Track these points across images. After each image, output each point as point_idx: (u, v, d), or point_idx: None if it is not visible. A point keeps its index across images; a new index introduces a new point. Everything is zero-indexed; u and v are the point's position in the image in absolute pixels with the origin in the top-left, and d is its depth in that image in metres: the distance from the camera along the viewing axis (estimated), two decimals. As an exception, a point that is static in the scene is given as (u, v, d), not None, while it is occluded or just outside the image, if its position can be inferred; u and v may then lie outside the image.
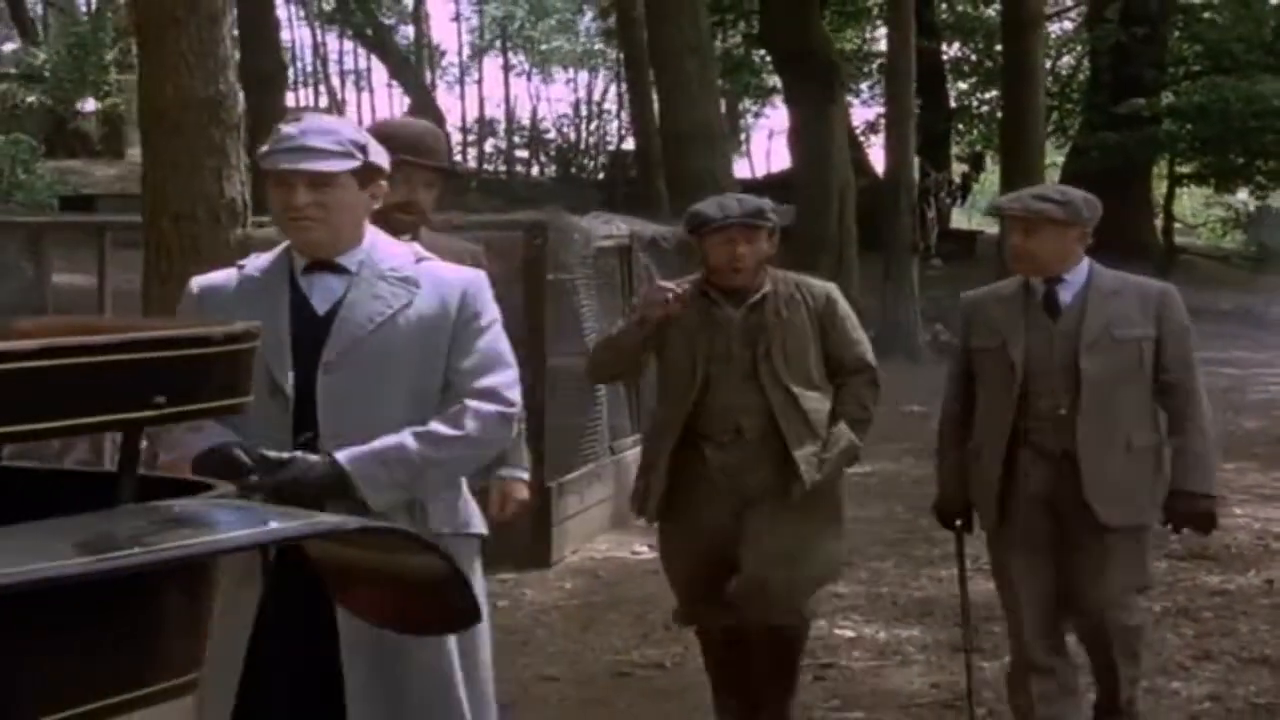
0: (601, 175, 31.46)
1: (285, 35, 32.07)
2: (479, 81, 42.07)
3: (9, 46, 33.92)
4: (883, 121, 25.12)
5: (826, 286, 4.80)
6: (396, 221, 4.05)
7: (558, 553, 7.80)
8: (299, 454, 3.08)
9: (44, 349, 1.61)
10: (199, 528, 1.69)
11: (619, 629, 6.54)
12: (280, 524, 1.73)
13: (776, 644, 4.67)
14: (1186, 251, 30.17)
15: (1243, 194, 33.30)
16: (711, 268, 4.64)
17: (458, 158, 29.62)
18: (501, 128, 36.52)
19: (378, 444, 3.13)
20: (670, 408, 4.69)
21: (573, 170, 31.92)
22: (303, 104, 37.57)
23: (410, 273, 3.28)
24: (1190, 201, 36.66)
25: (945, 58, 31.61)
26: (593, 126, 34.78)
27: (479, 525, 3.40)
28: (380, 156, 3.31)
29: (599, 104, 37.60)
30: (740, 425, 4.59)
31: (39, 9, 35.33)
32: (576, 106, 36.95)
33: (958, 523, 4.78)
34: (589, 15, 40.64)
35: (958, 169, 30.77)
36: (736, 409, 4.59)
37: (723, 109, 22.54)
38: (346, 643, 3.12)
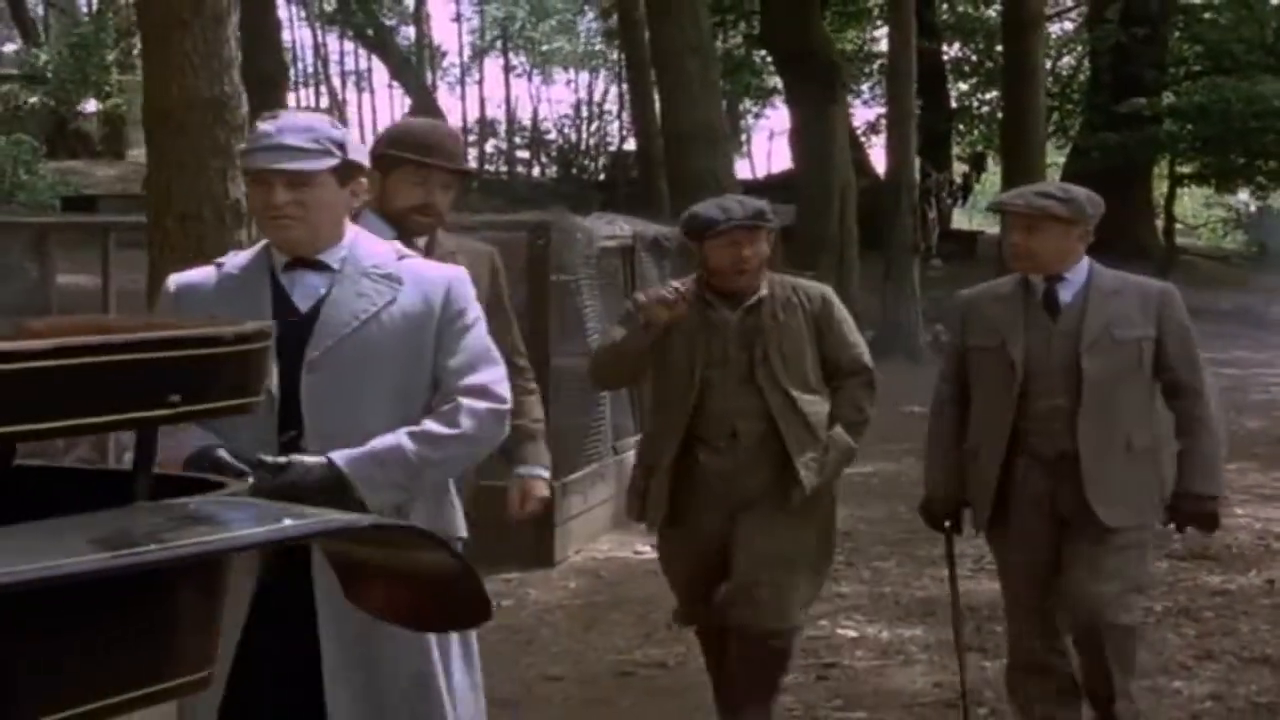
0: (602, 176, 31.47)
1: (286, 36, 32.10)
2: (480, 82, 42.12)
3: (10, 47, 33.93)
4: (884, 122, 25.17)
5: (822, 289, 4.78)
6: (414, 223, 4.06)
7: (561, 552, 7.81)
8: (295, 458, 3.07)
9: (60, 348, 1.62)
10: (214, 525, 1.70)
11: (622, 628, 6.55)
12: (294, 522, 1.74)
13: (762, 650, 4.59)
14: (1187, 252, 30.19)
15: (1243, 194, 33.36)
16: (714, 270, 4.60)
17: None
18: (502, 128, 36.57)
19: (374, 445, 3.12)
20: (669, 412, 4.64)
21: (573, 171, 31.93)
22: (304, 104, 37.58)
23: (393, 270, 3.26)
24: (1191, 202, 36.69)
25: (946, 58, 31.63)
26: (593, 127, 34.79)
27: (460, 529, 3.39)
28: (359, 153, 3.28)
29: (600, 104, 37.64)
30: (736, 429, 4.55)
31: (40, 10, 35.33)
32: (577, 107, 36.98)
33: (946, 524, 4.74)
34: (590, 16, 40.67)
35: (958, 169, 30.79)
36: (733, 413, 4.56)
37: (724, 109, 22.54)
38: (325, 636, 3.13)
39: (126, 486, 1.82)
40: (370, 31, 36.98)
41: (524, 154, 34.70)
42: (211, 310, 3.17)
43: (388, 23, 39.01)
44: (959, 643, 4.93)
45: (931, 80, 27.16)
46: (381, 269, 3.25)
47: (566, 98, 56.34)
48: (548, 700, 5.65)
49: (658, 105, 20.76)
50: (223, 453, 3.01)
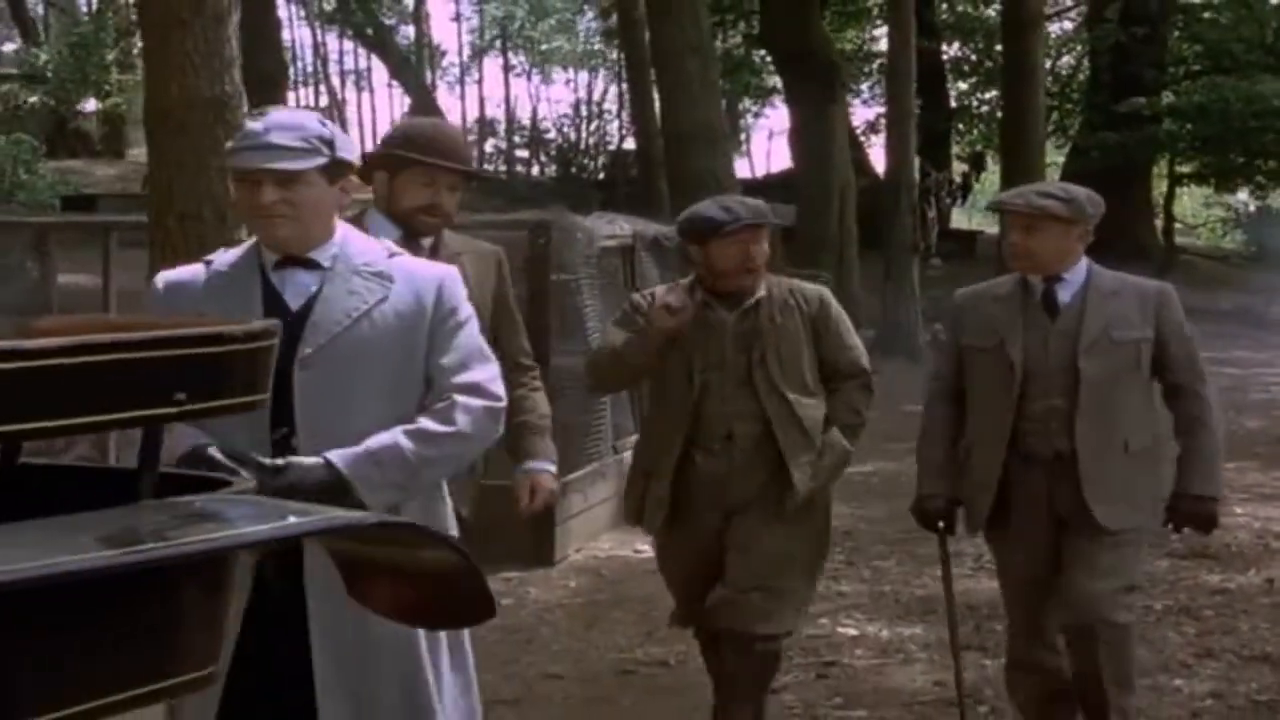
0: (602, 175, 31.47)
1: (285, 35, 32.14)
2: (479, 81, 42.16)
3: (10, 46, 33.95)
4: (883, 121, 25.18)
5: (820, 290, 4.74)
6: (421, 224, 4.06)
7: (561, 551, 7.82)
8: (294, 459, 3.06)
9: (67, 347, 1.63)
10: (220, 523, 1.71)
11: (623, 627, 6.56)
12: (299, 519, 1.75)
13: (752, 654, 4.56)
14: (1186, 251, 30.20)
15: (1243, 194, 33.36)
16: (719, 272, 4.54)
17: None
18: (502, 128, 36.57)
19: (371, 445, 3.11)
20: (668, 416, 4.61)
21: (573, 170, 31.92)
22: (303, 103, 37.57)
23: (383, 267, 3.25)
24: (1190, 201, 36.70)
25: (945, 58, 31.65)
26: (593, 126, 34.79)
27: (451, 527, 3.38)
28: (349, 151, 3.27)
29: (599, 104, 37.64)
30: (733, 431, 4.52)
31: (40, 9, 35.33)
32: (577, 106, 36.98)
33: (940, 525, 4.68)
34: (589, 15, 40.68)
35: (958, 169, 30.79)
36: (730, 415, 4.52)
37: (723, 109, 22.55)
38: (317, 646, 3.13)
39: (131, 484, 1.83)
40: (370, 31, 36.99)
41: (523, 153, 34.70)
42: (201, 308, 3.16)
43: (387, 22, 39.02)
44: (954, 642, 4.91)
45: (931, 80, 27.17)
46: (373, 267, 3.24)
47: (566, 97, 56.50)
48: (548, 699, 5.66)
49: (657, 105, 20.76)
50: (215, 451, 2.99)
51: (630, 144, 30.58)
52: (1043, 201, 4.46)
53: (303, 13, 39.33)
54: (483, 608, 1.97)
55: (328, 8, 38.44)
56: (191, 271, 3.34)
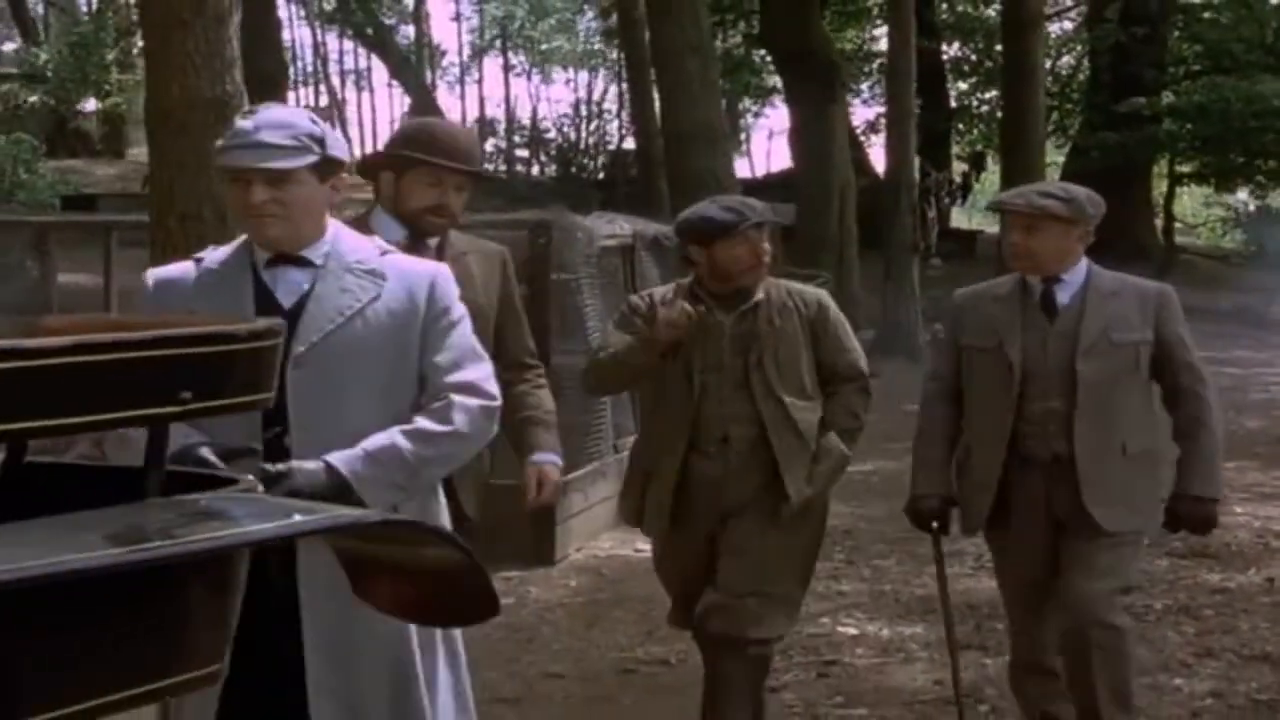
0: (601, 175, 31.48)
1: (285, 35, 32.17)
2: (479, 81, 42.21)
3: (10, 46, 33.97)
4: (883, 121, 25.17)
5: (818, 293, 4.71)
6: (428, 224, 4.06)
7: (562, 550, 7.83)
8: (295, 464, 3.04)
9: (73, 346, 1.64)
10: (226, 521, 1.72)
11: (624, 626, 6.56)
12: (304, 518, 1.76)
13: (742, 658, 4.54)
14: (1186, 251, 30.19)
15: (1242, 194, 33.35)
16: (725, 272, 4.49)
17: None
18: (502, 127, 36.58)
19: (370, 446, 3.10)
20: (668, 418, 4.56)
21: (573, 170, 31.92)
22: (303, 103, 37.57)
23: (376, 265, 3.24)
24: (1190, 201, 36.71)
25: (945, 57, 31.65)
26: (593, 126, 34.81)
27: (446, 526, 3.36)
28: (339, 149, 3.25)
29: (599, 104, 37.66)
30: (729, 434, 4.48)
31: (40, 9, 35.35)
32: (576, 106, 37.00)
33: (934, 525, 4.66)
34: (589, 15, 40.70)
35: (958, 169, 30.79)
36: (727, 418, 4.48)
37: (723, 108, 22.56)
38: (309, 638, 3.13)
39: (137, 483, 1.84)
40: (370, 30, 37.02)
41: (523, 153, 34.71)
42: (191, 306, 3.15)
43: (387, 22, 39.05)
44: (951, 641, 4.89)
45: (931, 79, 27.18)
46: (365, 264, 3.24)
47: (566, 97, 56.51)
48: (549, 698, 5.66)
49: (657, 104, 20.77)
50: (206, 451, 2.96)
51: (630, 144, 30.59)
52: (1043, 201, 4.44)
53: (303, 12, 39.38)
54: (486, 605, 1.98)
55: (328, 7, 38.47)
56: (182, 269, 3.32)
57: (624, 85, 31.45)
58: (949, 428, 4.61)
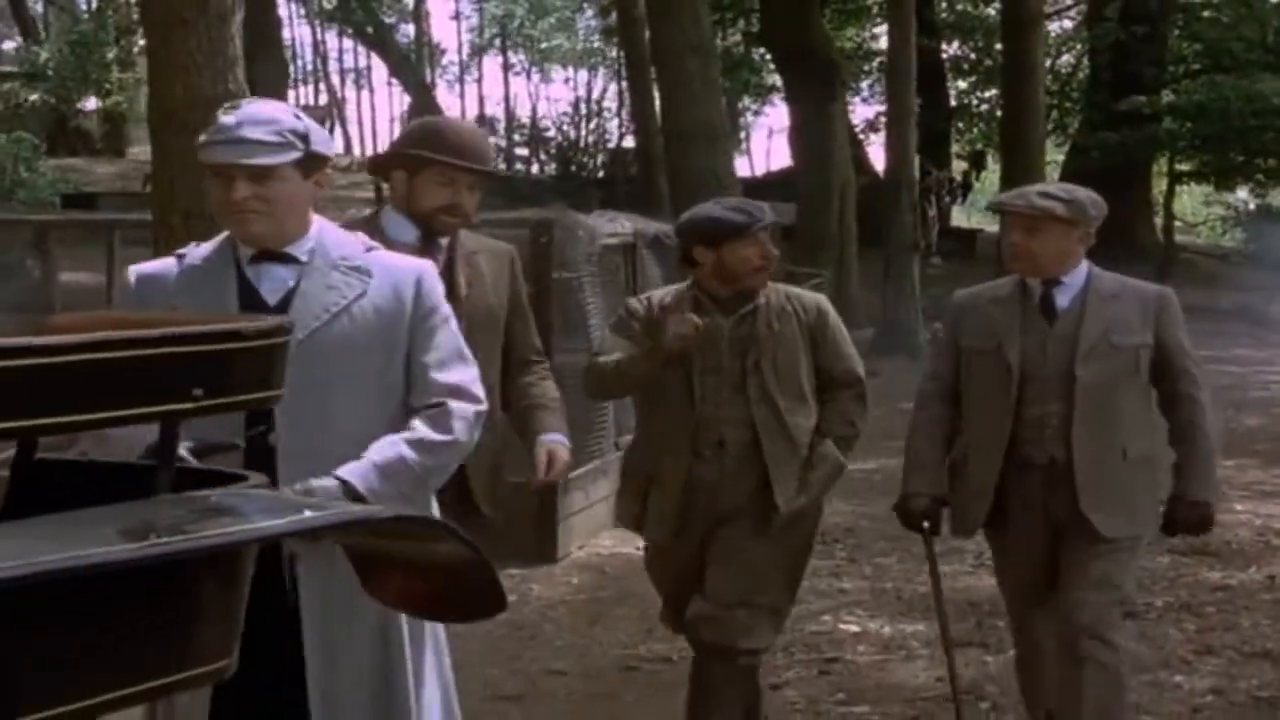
0: (601, 173, 31.49)
1: (285, 33, 32.19)
2: (479, 80, 42.25)
3: (10, 45, 33.98)
4: (883, 120, 25.17)
5: (817, 298, 4.69)
6: (440, 224, 4.06)
7: (564, 548, 7.84)
8: (312, 483, 2.99)
9: (85, 343, 1.65)
10: (236, 517, 1.73)
11: (625, 623, 6.57)
12: (314, 514, 1.77)
13: (731, 667, 4.51)
14: (1186, 250, 30.21)
15: (1242, 192, 33.37)
16: (731, 274, 4.46)
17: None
18: (501, 126, 36.58)
19: (379, 459, 3.09)
20: (668, 421, 4.52)
21: (573, 168, 31.92)
22: (303, 102, 37.61)
23: (361, 262, 3.22)
24: (1190, 200, 36.73)
25: (945, 56, 31.67)
26: (592, 125, 34.81)
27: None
28: (324, 144, 3.22)
29: (599, 102, 37.66)
30: (724, 438, 4.45)
31: (40, 7, 35.36)
32: (576, 105, 37.00)
33: (925, 525, 4.59)
34: (588, 14, 40.72)
35: (958, 167, 30.82)
36: (723, 421, 4.45)
37: (723, 107, 22.57)
38: (309, 645, 3.13)
39: (146, 479, 1.85)
40: (369, 29, 37.02)
41: (523, 151, 34.71)
42: (173, 302, 3.13)
43: (387, 20, 39.07)
44: (946, 640, 4.83)
45: (931, 78, 27.19)
46: (350, 261, 3.22)
47: (565, 95, 56.44)
48: (551, 695, 5.67)
49: (657, 103, 20.79)
50: (180, 447, 2.95)
51: (630, 142, 30.61)
52: (1044, 202, 4.39)
53: (303, 11, 39.39)
54: (494, 601, 1.99)
55: (328, 6, 38.48)
56: (164, 265, 3.30)
57: (624, 84, 31.47)
58: (944, 427, 4.58)
